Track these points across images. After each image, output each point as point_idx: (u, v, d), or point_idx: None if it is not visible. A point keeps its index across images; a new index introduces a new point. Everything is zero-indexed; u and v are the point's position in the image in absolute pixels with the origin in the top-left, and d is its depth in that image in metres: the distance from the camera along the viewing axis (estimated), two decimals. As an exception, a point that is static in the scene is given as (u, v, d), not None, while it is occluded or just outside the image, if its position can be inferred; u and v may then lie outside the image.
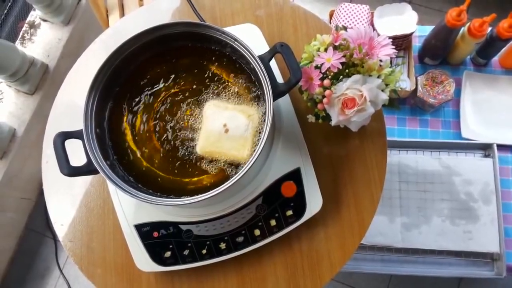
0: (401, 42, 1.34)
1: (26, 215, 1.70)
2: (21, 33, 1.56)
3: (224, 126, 0.70)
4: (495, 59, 1.39)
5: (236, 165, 0.69)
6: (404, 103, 1.38)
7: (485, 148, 1.29)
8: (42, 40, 1.56)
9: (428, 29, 1.36)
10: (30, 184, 1.66)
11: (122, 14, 1.33)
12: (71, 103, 0.88)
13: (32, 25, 1.57)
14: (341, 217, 0.79)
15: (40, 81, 1.51)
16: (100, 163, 0.63)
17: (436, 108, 1.31)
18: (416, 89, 1.29)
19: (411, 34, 1.31)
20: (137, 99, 0.73)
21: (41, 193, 1.72)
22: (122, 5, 1.34)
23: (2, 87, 1.50)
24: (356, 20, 1.33)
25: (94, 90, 0.66)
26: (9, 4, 1.63)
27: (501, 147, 1.27)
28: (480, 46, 1.30)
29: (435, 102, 1.26)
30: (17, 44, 1.55)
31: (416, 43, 1.41)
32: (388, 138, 0.83)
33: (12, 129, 1.46)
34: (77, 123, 0.66)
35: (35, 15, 1.58)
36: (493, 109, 1.35)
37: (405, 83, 1.31)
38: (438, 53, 1.34)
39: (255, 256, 0.77)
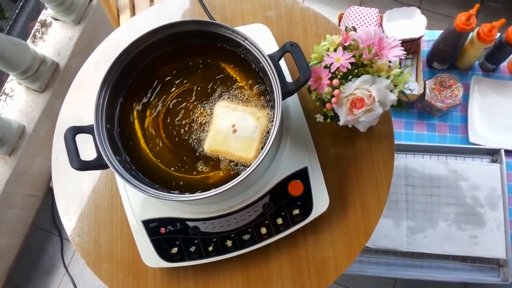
0: (410, 46, 1.34)
1: (33, 212, 1.71)
2: (32, 32, 1.58)
3: (233, 127, 0.71)
4: (504, 64, 1.39)
5: (243, 164, 0.69)
6: (411, 107, 1.38)
7: (492, 154, 1.29)
8: (53, 38, 1.57)
9: (436, 34, 1.36)
10: (37, 181, 1.67)
11: (133, 13, 1.34)
12: (82, 99, 0.89)
13: (44, 24, 1.59)
14: (347, 218, 0.79)
15: (50, 79, 1.53)
16: (110, 158, 0.64)
17: (444, 112, 1.31)
18: (424, 93, 1.29)
19: (419, 38, 1.31)
20: (147, 96, 0.74)
21: (48, 191, 1.74)
22: (133, 4, 1.35)
23: (13, 85, 1.52)
24: (365, 23, 1.34)
25: (105, 86, 0.67)
26: (21, 3, 1.65)
27: (508, 152, 1.27)
28: (488, 51, 1.30)
29: (443, 107, 1.26)
30: (29, 42, 1.57)
31: (425, 47, 1.42)
32: (395, 142, 0.83)
33: (22, 126, 1.48)
34: (88, 120, 0.67)
35: (46, 14, 1.60)
36: (501, 115, 1.35)
37: (413, 85, 1.32)
38: (447, 58, 1.34)
39: (261, 254, 0.77)
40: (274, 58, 0.67)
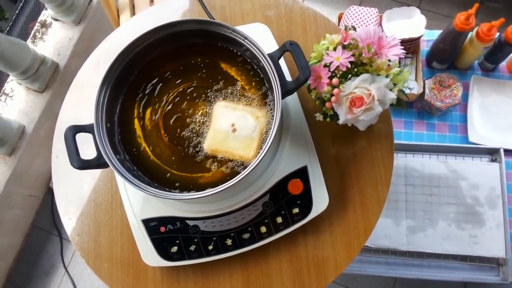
0: (409, 46, 1.34)
1: (33, 213, 1.71)
2: (32, 32, 1.58)
3: (232, 126, 0.71)
4: (503, 64, 1.39)
5: (243, 163, 0.70)
6: (411, 107, 1.38)
7: (492, 153, 1.29)
8: (53, 39, 1.57)
9: (436, 34, 1.37)
10: (37, 181, 1.68)
11: (133, 13, 1.34)
12: (82, 99, 0.89)
13: (44, 24, 1.59)
14: (347, 217, 0.79)
15: (50, 79, 1.53)
16: (110, 157, 0.64)
17: (443, 112, 1.32)
18: (423, 92, 1.29)
19: (419, 37, 1.32)
20: (147, 95, 0.74)
21: (48, 191, 1.74)
22: (133, 5, 1.36)
23: (13, 85, 1.52)
24: (364, 23, 1.34)
25: (105, 85, 0.67)
26: (21, 4, 1.65)
27: (508, 152, 1.27)
28: (488, 50, 1.30)
29: (442, 106, 1.27)
30: (29, 42, 1.57)
31: (424, 47, 1.42)
32: (395, 141, 0.83)
33: (22, 126, 1.48)
34: (87, 120, 0.67)
35: (46, 14, 1.60)
36: (501, 114, 1.35)
37: (412, 83, 1.32)
38: (446, 57, 1.34)
39: (261, 253, 0.77)
40: (274, 57, 0.67)
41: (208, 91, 0.73)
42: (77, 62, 1.59)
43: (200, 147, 0.71)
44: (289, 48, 0.67)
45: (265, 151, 0.62)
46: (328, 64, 0.68)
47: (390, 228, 1.24)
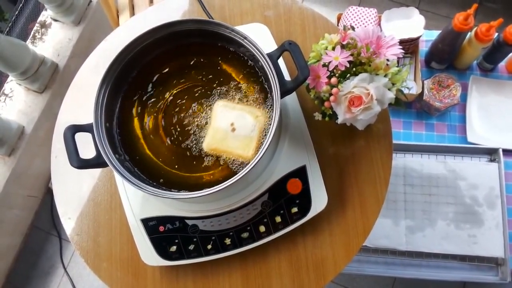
0: (408, 46, 1.35)
1: (32, 213, 1.72)
2: (32, 33, 1.58)
3: (231, 125, 0.71)
4: (502, 64, 1.39)
5: (242, 162, 0.70)
6: (410, 107, 1.39)
7: (490, 153, 1.29)
8: (52, 39, 1.58)
9: (435, 34, 1.37)
10: (37, 182, 1.68)
11: (133, 14, 1.34)
12: (81, 99, 0.89)
13: (43, 25, 1.59)
14: (346, 216, 0.79)
15: (50, 80, 1.53)
16: (109, 156, 0.64)
17: (442, 112, 1.32)
18: (422, 92, 1.30)
19: (418, 38, 1.32)
20: (146, 95, 0.74)
21: (47, 191, 1.74)
22: (133, 5, 1.36)
23: (12, 85, 1.52)
24: (363, 24, 1.34)
25: (105, 84, 0.68)
26: (20, 5, 1.66)
27: (506, 152, 1.27)
28: (486, 51, 1.31)
29: (441, 106, 1.27)
30: (28, 43, 1.57)
31: (423, 48, 1.42)
32: (394, 141, 0.83)
33: (21, 127, 1.48)
34: (87, 120, 0.67)
35: (46, 15, 1.61)
36: (499, 114, 1.35)
37: (411, 83, 1.32)
38: (445, 57, 1.34)
39: (260, 252, 0.77)
40: (273, 57, 0.68)
41: (207, 90, 0.73)
42: (77, 63, 1.59)
43: (199, 146, 0.71)
44: (288, 47, 0.68)
45: (264, 150, 0.62)
46: (327, 63, 0.68)
47: (389, 228, 1.24)
